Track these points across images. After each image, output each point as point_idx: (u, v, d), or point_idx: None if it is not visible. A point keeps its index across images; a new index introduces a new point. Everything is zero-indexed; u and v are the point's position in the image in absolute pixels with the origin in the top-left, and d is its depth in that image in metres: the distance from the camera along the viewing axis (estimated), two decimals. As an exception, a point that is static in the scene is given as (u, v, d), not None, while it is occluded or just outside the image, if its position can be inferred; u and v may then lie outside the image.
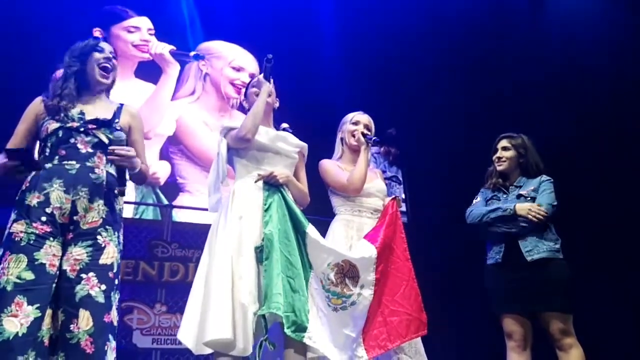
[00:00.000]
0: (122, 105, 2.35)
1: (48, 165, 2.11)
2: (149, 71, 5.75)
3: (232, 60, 6.12)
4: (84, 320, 1.96)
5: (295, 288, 2.36)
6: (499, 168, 3.09)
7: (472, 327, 4.77)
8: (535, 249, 2.83)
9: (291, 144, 2.70)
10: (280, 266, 2.34)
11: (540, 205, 2.85)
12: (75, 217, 2.06)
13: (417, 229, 5.34)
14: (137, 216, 5.28)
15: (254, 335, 2.27)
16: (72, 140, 2.13)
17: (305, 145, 2.78)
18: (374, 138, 2.90)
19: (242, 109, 3.52)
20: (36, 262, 1.97)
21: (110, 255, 2.10)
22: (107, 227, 2.12)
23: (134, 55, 5.70)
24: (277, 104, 2.81)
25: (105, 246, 2.09)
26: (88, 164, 2.13)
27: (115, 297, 2.11)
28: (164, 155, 5.61)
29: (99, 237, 2.08)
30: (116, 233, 2.16)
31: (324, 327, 2.41)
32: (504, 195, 3.04)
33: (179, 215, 5.31)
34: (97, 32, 5.21)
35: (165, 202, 5.38)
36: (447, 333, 4.53)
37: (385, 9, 6.22)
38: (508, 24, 6.19)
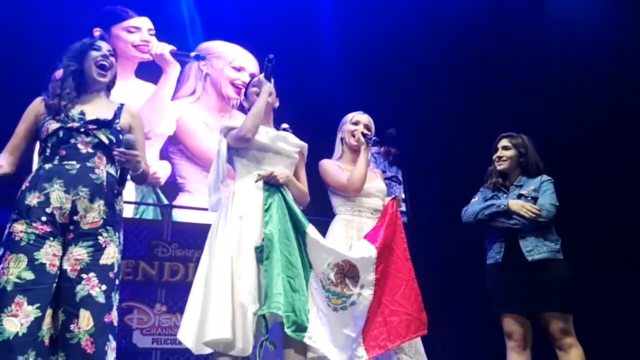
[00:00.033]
0: (122, 105, 2.35)
1: (48, 166, 2.11)
2: (149, 71, 5.75)
3: (232, 60, 6.12)
4: (85, 320, 1.96)
5: (295, 288, 2.36)
6: (499, 167, 3.09)
7: (472, 327, 4.77)
8: (535, 249, 2.83)
9: (291, 144, 2.70)
10: (280, 266, 2.34)
11: (542, 205, 2.85)
12: (75, 217, 2.06)
13: (417, 229, 5.34)
14: (138, 216, 5.28)
15: (254, 335, 2.27)
16: (73, 141, 2.13)
17: (305, 145, 2.78)
18: (373, 138, 2.90)
19: (243, 109, 3.52)
20: (36, 262, 1.97)
21: (111, 255, 2.10)
22: (108, 227, 2.12)
23: (134, 55, 5.70)
24: (277, 104, 2.81)
25: (106, 246, 2.09)
26: (88, 164, 2.13)
27: (116, 297, 2.11)
28: (164, 155, 5.60)
29: (99, 237, 2.08)
30: (117, 233, 2.17)
31: (324, 327, 2.41)
32: (504, 195, 3.04)
33: (179, 215, 5.31)
34: (97, 33, 5.21)
35: (166, 202, 5.38)
36: (447, 333, 4.53)
37: (385, 9, 6.21)
38: (508, 24, 6.19)
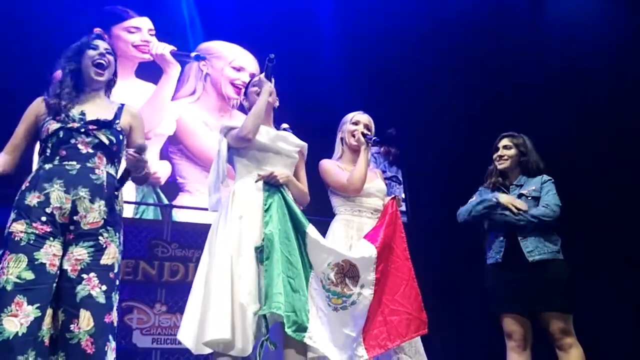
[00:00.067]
0: (122, 105, 2.34)
1: (48, 166, 2.11)
2: (149, 71, 5.75)
3: (232, 60, 6.12)
4: (85, 321, 1.96)
5: (295, 288, 2.36)
6: (500, 166, 3.09)
7: (472, 327, 4.77)
8: (536, 249, 2.83)
9: (291, 144, 2.70)
10: (280, 266, 2.34)
11: (548, 205, 2.85)
12: (75, 217, 2.06)
13: (417, 229, 5.34)
14: (138, 216, 5.28)
15: (254, 335, 2.27)
16: (73, 141, 2.13)
17: (305, 144, 2.78)
18: (374, 138, 2.90)
19: (243, 109, 3.53)
20: (36, 262, 1.97)
21: (112, 255, 2.10)
22: (109, 227, 2.12)
23: (135, 55, 5.70)
24: (277, 103, 2.81)
25: (106, 247, 2.09)
26: (88, 164, 2.13)
27: (116, 297, 2.11)
28: (164, 155, 5.61)
29: (100, 237, 2.08)
30: (117, 234, 2.17)
31: (324, 327, 2.41)
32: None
33: (179, 215, 5.31)
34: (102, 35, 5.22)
35: (166, 202, 5.38)
36: (447, 333, 4.53)
37: (385, 9, 6.22)
38: (508, 24, 6.19)
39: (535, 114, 5.63)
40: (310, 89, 5.77)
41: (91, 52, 2.26)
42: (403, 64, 6.24)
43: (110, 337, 2.03)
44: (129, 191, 4.78)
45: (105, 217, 2.11)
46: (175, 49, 5.83)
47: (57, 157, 2.11)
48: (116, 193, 2.19)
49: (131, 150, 2.09)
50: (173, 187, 5.53)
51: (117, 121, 2.24)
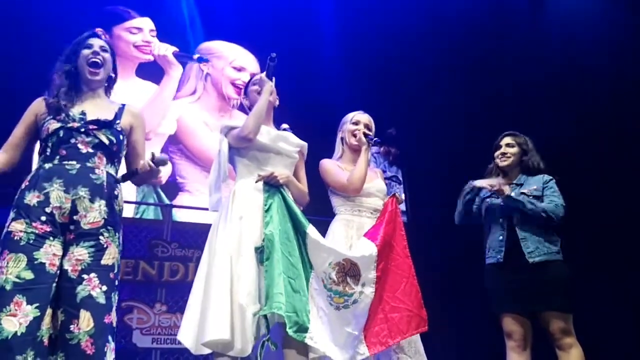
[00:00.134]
0: (124, 105, 2.34)
1: (48, 165, 2.11)
2: (150, 70, 5.75)
3: (233, 60, 6.12)
4: (85, 321, 1.96)
5: (296, 289, 2.37)
6: (502, 164, 3.09)
7: (472, 327, 4.77)
8: (536, 250, 2.83)
9: (292, 144, 2.70)
10: (281, 266, 2.34)
11: (557, 205, 2.85)
12: (75, 217, 2.06)
13: (417, 229, 5.34)
14: (138, 216, 5.28)
15: (254, 336, 2.27)
16: (73, 141, 2.13)
17: (305, 144, 2.78)
18: (375, 139, 2.90)
19: (243, 109, 3.53)
20: (36, 262, 1.96)
21: (112, 255, 2.10)
22: (109, 227, 2.12)
23: (136, 56, 5.70)
24: (277, 102, 2.81)
25: (107, 247, 2.09)
26: (88, 164, 2.13)
27: (115, 298, 2.11)
28: (164, 154, 5.60)
29: (101, 237, 2.08)
30: (117, 234, 2.16)
31: (325, 327, 2.42)
32: (503, 194, 3.04)
33: (178, 215, 5.31)
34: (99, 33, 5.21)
35: (167, 201, 5.39)
36: (447, 333, 4.53)
37: (385, 9, 6.21)
38: (508, 24, 6.18)
39: (535, 113, 5.63)
40: (311, 88, 5.77)
41: (86, 52, 2.26)
42: (403, 63, 6.24)
43: (110, 337, 2.03)
44: (129, 191, 4.78)
45: (105, 216, 2.11)
46: (178, 50, 5.83)
47: (57, 157, 2.11)
48: (116, 193, 2.19)
49: (149, 160, 2.09)
50: (173, 187, 5.53)
51: (118, 121, 2.24)
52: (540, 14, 6.35)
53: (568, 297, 2.80)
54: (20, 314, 1.89)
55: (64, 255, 2.04)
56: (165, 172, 5.52)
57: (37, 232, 2.00)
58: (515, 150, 3.09)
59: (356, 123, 3.00)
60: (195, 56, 5.93)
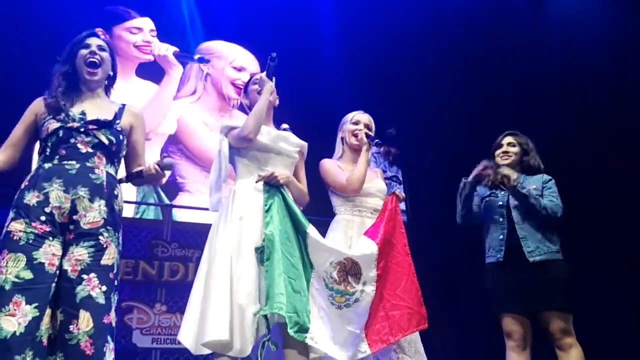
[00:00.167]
0: (124, 105, 2.33)
1: (48, 165, 2.10)
2: (150, 70, 5.75)
3: (233, 60, 6.12)
4: (84, 322, 1.95)
5: (296, 289, 2.37)
6: (503, 162, 3.09)
7: (472, 327, 4.77)
8: (537, 249, 2.83)
9: (292, 144, 2.70)
10: (282, 266, 2.34)
11: (557, 205, 2.86)
12: (74, 217, 2.05)
13: (417, 228, 5.33)
14: (138, 216, 5.28)
15: (253, 336, 2.27)
16: (73, 140, 2.12)
17: (305, 144, 2.78)
18: (376, 140, 2.90)
19: (243, 109, 3.53)
20: (35, 262, 1.96)
21: (112, 256, 2.10)
22: (109, 227, 2.11)
23: (136, 56, 5.71)
24: (277, 102, 2.81)
25: (107, 247, 2.08)
26: (88, 164, 2.13)
27: (115, 298, 2.10)
28: (164, 154, 5.60)
29: (101, 237, 2.07)
30: (117, 234, 2.16)
31: (326, 326, 2.42)
32: (502, 192, 3.04)
33: (179, 215, 5.32)
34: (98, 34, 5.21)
35: (167, 201, 5.39)
36: (447, 333, 4.53)
37: (385, 9, 6.21)
38: (508, 24, 6.18)
39: (535, 113, 5.63)
40: (311, 88, 5.77)
41: (83, 52, 2.25)
42: (403, 63, 6.24)
43: (109, 337, 2.02)
44: (129, 191, 4.78)
45: (105, 216, 2.10)
46: (178, 50, 5.83)
47: (57, 157, 2.11)
48: (116, 193, 2.18)
49: (153, 167, 2.09)
50: (173, 187, 5.53)
51: (118, 121, 2.24)
52: (540, 14, 6.35)
53: (568, 297, 2.80)
54: (19, 313, 1.89)
55: (63, 255, 2.04)
56: (165, 172, 5.51)
57: (36, 232, 2.00)
58: (516, 149, 3.10)
59: (356, 123, 3.00)
60: (197, 57, 5.93)
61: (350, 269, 2.51)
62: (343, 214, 2.88)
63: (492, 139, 3.20)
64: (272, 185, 2.52)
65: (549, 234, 2.88)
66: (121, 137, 2.24)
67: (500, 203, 2.99)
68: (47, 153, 2.13)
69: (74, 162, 2.11)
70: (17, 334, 1.87)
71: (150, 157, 2.36)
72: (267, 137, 2.61)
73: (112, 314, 2.06)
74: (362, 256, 2.56)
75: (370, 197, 2.90)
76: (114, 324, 2.07)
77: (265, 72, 2.72)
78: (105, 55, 2.29)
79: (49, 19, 4.83)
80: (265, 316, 2.26)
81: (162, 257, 4.58)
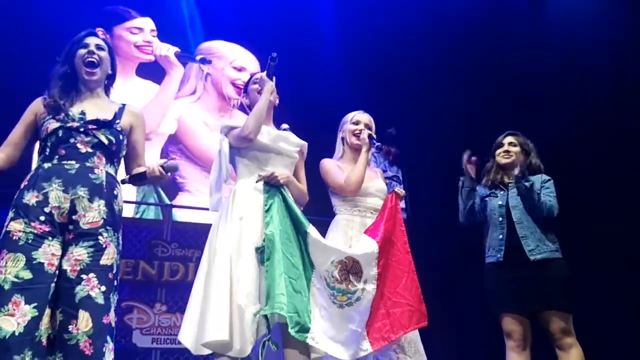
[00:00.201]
0: (124, 105, 2.33)
1: (47, 165, 2.10)
2: (150, 69, 5.75)
3: (233, 60, 6.12)
4: (84, 322, 1.95)
5: (297, 289, 2.37)
6: (504, 161, 3.09)
7: (472, 327, 4.76)
8: (537, 248, 2.83)
9: (292, 144, 2.70)
10: (282, 267, 2.34)
11: (553, 204, 2.86)
12: (74, 217, 2.05)
13: (417, 228, 5.33)
14: (138, 215, 5.28)
15: (253, 336, 2.27)
16: (72, 140, 2.12)
17: (305, 143, 2.78)
18: (378, 144, 2.90)
19: (243, 109, 3.53)
20: (34, 262, 1.96)
21: (111, 256, 2.09)
22: (108, 227, 2.11)
23: (136, 56, 5.70)
24: (277, 102, 2.81)
25: (106, 247, 2.08)
26: (88, 164, 2.13)
27: (114, 298, 2.10)
28: (164, 154, 5.61)
29: (100, 237, 2.07)
30: (116, 234, 2.16)
31: (327, 325, 2.42)
32: (502, 192, 3.04)
33: (179, 215, 5.31)
34: (99, 33, 5.21)
35: (167, 201, 5.39)
36: (447, 333, 4.53)
37: (385, 9, 6.21)
38: (508, 24, 6.18)
39: (535, 113, 5.63)
40: (311, 88, 5.77)
41: (81, 51, 2.24)
42: (403, 63, 6.24)
43: (109, 338, 2.02)
44: (129, 191, 4.78)
45: (104, 216, 2.10)
46: (179, 50, 5.83)
47: (56, 156, 2.11)
48: (115, 193, 2.18)
49: (157, 168, 2.09)
50: (173, 186, 5.53)
51: (117, 121, 2.24)
52: (540, 14, 6.35)
53: (568, 296, 2.80)
54: (18, 313, 1.89)
55: (63, 255, 2.03)
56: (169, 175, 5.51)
57: (35, 231, 2.00)
58: (517, 149, 3.10)
59: (356, 123, 3.00)
60: (198, 57, 5.93)
61: (351, 268, 2.52)
62: (343, 214, 2.88)
63: (492, 139, 3.20)
64: (272, 185, 2.52)
65: (548, 233, 2.88)
66: (121, 137, 2.23)
67: (500, 203, 2.99)
68: (47, 153, 2.13)
69: (73, 162, 2.10)
70: (16, 333, 1.86)
71: (150, 157, 2.36)
72: (267, 137, 2.61)
73: (112, 314, 2.06)
74: (362, 255, 2.56)
75: (370, 197, 2.90)
76: (113, 324, 2.07)
77: (265, 72, 2.71)
78: (104, 54, 2.28)
79: (49, 19, 4.83)
80: (266, 316, 2.26)
81: (162, 257, 4.58)
